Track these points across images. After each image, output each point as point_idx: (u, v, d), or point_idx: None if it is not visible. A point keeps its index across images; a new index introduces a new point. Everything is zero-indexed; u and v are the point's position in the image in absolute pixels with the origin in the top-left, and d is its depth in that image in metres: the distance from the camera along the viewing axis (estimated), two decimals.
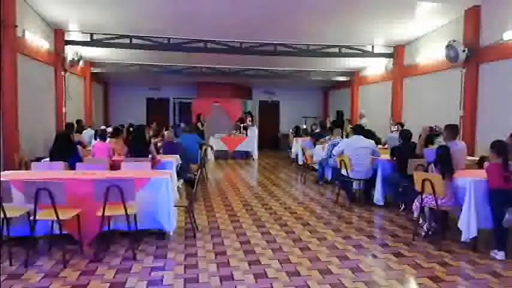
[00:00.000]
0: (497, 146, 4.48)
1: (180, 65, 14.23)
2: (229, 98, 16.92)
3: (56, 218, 4.05)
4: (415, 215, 5.11)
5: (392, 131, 9.90)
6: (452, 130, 5.71)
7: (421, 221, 5.08)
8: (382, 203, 6.66)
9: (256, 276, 3.83)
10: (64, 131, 8.07)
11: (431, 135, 6.70)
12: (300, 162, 10.94)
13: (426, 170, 5.08)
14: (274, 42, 10.96)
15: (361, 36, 10.73)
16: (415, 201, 5.09)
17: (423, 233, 5.03)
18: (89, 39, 10.38)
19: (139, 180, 4.72)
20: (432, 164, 5.01)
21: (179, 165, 7.58)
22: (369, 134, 7.58)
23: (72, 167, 5.71)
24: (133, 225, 4.45)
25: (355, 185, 7.14)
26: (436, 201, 4.69)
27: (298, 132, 13.29)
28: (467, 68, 8.45)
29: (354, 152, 6.78)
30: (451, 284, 3.69)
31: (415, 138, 6.61)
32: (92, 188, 4.33)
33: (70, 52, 10.27)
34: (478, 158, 6.29)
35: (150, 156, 6.52)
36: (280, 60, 13.11)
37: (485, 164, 4.68)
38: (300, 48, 11.20)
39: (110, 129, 9.20)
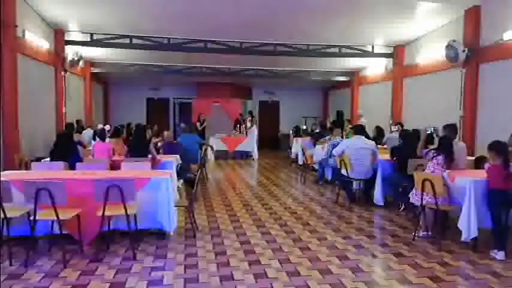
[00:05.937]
0: (497, 147, 4.48)
1: (180, 65, 14.23)
2: (229, 98, 16.90)
3: (56, 218, 4.05)
4: (415, 202, 5.15)
5: (392, 131, 9.91)
6: (452, 129, 5.71)
7: (421, 222, 5.07)
8: (382, 203, 6.66)
9: (256, 276, 3.83)
10: (64, 131, 8.08)
11: (430, 135, 6.70)
12: (300, 162, 10.93)
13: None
14: (274, 42, 10.97)
15: (361, 36, 10.72)
16: (413, 195, 5.13)
17: (421, 234, 5.04)
18: (89, 39, 10.39)
19: (139, 180, 4.72)
20: (431, 152, 5.08)
21: (179, 165, 7.58)
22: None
23: (72, 167, 5.72)
24: (133, 225, 4.45)
25: (355, 185, 7.14)
26: (436, 201, 4.70)
27: (298, 132, 13.27)
28: (467, 68, 8.45)
29: (354, 153, 6.77)
30: (451, 284, 3.69)
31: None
32: (92, 188, 4.32)
33: (70, 52, 10.27)
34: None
35: (150, 156, 6.52)
36: (280, 60, 13.10)
37: (486, 165, 4.66)
38: (300, 48, 11.20)
39: (107, 127, 9.18)
